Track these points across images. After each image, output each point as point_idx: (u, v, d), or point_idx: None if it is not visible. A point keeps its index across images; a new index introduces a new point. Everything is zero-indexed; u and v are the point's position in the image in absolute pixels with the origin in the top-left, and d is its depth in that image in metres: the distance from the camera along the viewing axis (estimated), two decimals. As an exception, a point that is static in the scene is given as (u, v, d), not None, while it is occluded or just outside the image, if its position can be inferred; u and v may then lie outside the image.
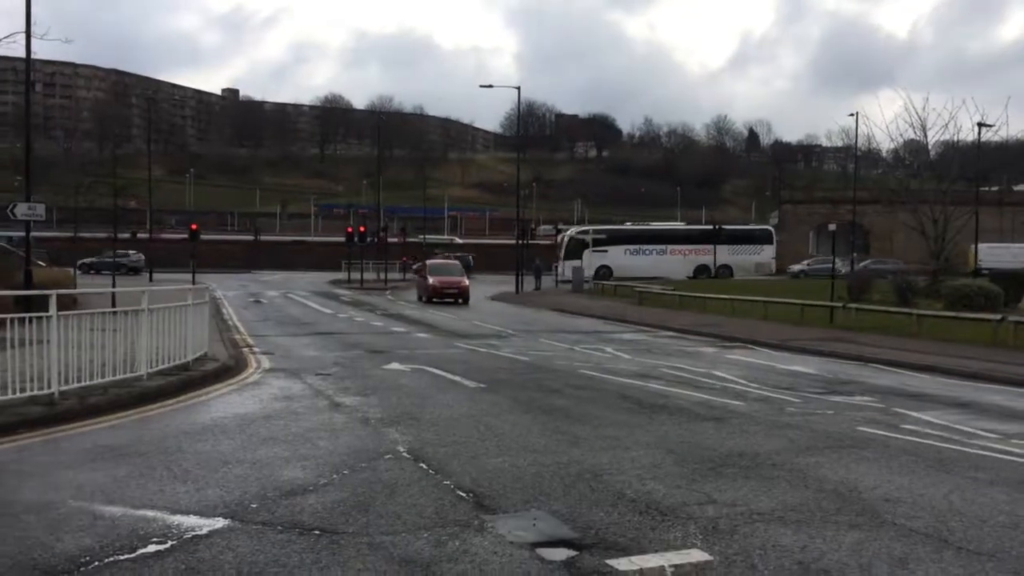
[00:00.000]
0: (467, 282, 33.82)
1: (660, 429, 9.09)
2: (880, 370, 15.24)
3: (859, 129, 57.59)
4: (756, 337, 20.20)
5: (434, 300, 32.49)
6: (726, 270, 50.25)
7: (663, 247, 50.36)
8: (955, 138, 34.40)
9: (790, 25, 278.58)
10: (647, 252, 49.73)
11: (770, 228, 57.33)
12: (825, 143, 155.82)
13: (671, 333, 22.40)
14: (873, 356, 16.75)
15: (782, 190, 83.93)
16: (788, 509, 6.17)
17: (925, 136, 33.64)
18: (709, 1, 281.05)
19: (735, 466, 7.45)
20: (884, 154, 42.64)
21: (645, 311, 29.51)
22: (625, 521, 5.79)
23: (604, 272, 47.29)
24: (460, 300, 32.37)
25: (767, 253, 52.70)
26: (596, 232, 51.56)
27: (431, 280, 33.23)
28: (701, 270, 49.91)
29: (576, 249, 47.66)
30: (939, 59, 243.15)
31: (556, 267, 48.01)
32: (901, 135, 41.89)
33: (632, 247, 50.12)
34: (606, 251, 48.52)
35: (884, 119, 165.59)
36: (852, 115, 56.81)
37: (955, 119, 35.50)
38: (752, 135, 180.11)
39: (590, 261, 47.30)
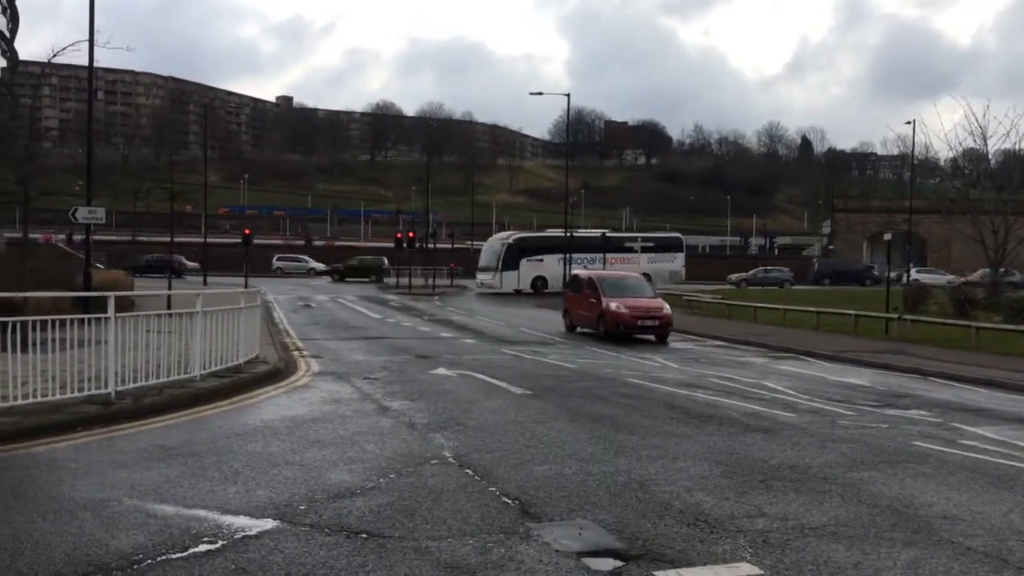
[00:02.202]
0: (668, 308, 22.14)
1: (709, 439, 8.97)
2: (936, 383, 14.86)
3: (916, 137, 56.40)
4: (808, 348, 19.85)
5: (615, 336, 21.34)
6: (647, 279, 46.27)
7: (593, 256, 45.17)
8: (1017, 146, 33.41)
9: (849, 31, 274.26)
10: (578, 262, 43.92)
11: (679, 236, 53.86)
12: (880, 151, 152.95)
13: (720, 342, 22.13)
14: (929, 369, 16.33)
15: (835, 198, 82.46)
16: (841, 524, 6.03)
17: (985, 144, 32.75)
18: (767, 7, 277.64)
19: (786, 479, 7.31)
20: (942, 163, 41.34)
21: (693, 320, 29.20)
22: (673, 533, 5.72)
23: (540, 283, 44.21)
24: (658, 337, 21.47)
25: (679, 261, 50.00)
26: (531, 239, 47.17)
27: (610, 304, 21.47)
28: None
29: (515, 257, 44.25)
30: (1002, 66, 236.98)
31: (480, 277, 45.52)
32: (960, 143, 40.86)
33: (564, 256, 43.81)
34: (542, 260, 44.49)
35: (943, 127, 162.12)
36: (909, 123, 55.49)
37: (1016, 127, 34.35)
38: (805, 142, 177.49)
39: (527, 271, 44.30)
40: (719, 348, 20.74)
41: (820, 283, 55.12)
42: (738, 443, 8.82)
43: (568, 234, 44.83)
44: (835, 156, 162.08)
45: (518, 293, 44.08)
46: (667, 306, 22.26)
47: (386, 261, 59.15)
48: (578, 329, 23.45)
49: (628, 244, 49.64)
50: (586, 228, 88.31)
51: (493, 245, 45.89)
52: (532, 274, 43.82)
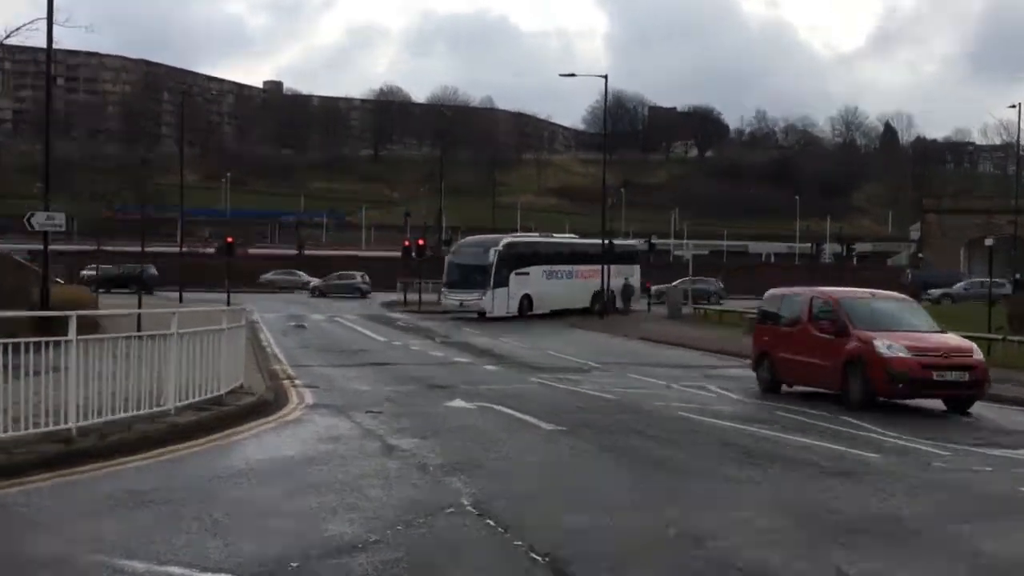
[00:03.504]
0: (978, 351, 15.80)
1: (775, 485, 8.89)
2: (1050, 418, 14.64)
3: (1022, 124, 55.72)
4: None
5: (890, 395, 14.93)
6: (613, 296, 43.00)
7: (571, 268, 42.74)
8: None
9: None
10: (559, 275, 41.79)
11: (636, 243, 51.95)
12: (979, 140, 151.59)
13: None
14: (1041, 400, 16.06)
15: (925, 197, 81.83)
16: (936, 587, 5.95)
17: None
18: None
19: (869, 533, 7.23)
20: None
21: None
22: (733, 596, 5.66)
23: (526, 303, 39.52)
24: (962, 403, 15.07)
25: (636, 276, 46.94)
26: (524, 245, 42.57)
27: (878, 345, 14.74)
28: (596, 298, 41.95)
29: (507, 269, 38.89)
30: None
31: (455, 297, 39.21)
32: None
33: (548, 268, 41.49)
34: (528, 274, 39.93)
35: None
36: (1014, 106, 54.77)
37: None
38: (888, 131, 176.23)
39: (515, 288, 39.05)
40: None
41: (918, 296, 54.76)
42: (811, 489, 8.74)
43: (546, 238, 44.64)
44: (925, 147, 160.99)
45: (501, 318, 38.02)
46: (976, 348, 15.83)
47: (361, 276, 60.80)
48: (786, 388, 17.03)
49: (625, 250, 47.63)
50: (624, 235, 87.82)
51: (474, 253, 39.45)
52: (520, 291, 39.13)
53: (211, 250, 65.55)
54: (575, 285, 42.11)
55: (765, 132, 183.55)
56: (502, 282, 38.27)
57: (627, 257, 47.32)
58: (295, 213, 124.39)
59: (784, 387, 17.03)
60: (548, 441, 11.11)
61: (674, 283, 50.75)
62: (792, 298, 18.06)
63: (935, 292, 52.24)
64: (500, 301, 38.11)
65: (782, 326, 17.53)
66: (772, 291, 19.59)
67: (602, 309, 40.68)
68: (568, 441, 11.10)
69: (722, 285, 57.71)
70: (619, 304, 43.15)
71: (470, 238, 44.88)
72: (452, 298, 39.44)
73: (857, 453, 10.73)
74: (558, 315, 39.21)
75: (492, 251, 38.64)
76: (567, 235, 50.96)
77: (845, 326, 15.47)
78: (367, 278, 61.24)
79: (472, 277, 38.65)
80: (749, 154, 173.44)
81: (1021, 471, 10.05)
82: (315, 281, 61.79)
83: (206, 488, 8.31)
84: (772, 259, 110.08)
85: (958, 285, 54.99)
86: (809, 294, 17.53)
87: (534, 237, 47.20)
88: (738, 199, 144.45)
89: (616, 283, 43.56)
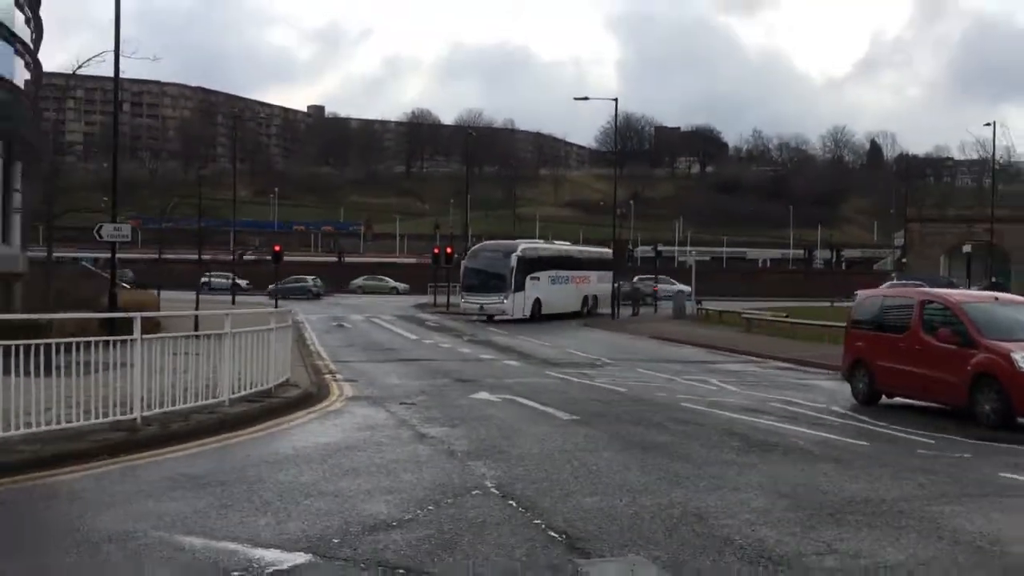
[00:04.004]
0: None
1: (772, 469, 8.84)
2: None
3: (997, 140, 55.23)
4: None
5: None
6: (594, 301, 42.35)
7: (568, 274, 41.48)
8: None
9: (929, 24, 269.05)
10: (561, 280, 40.57)
11: (607, 251, 48.50)
12: (958, 156, 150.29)
13: (784, 364, 21.86)
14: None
15: (909, 208, 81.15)
16: (919, 563, 5.89)
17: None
18: (836, 2, 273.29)
19: (858, 512, 7.17)
20: (1027, 167, 40.38)
21: (754, 339, 28.88)
22: (733, 571, 5.63)
23: (536, 307, 37.98)
24: None
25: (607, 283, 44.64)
26: (540, 251, 41.21)
27: (1021, 362, 11.83)
28: (584, 302, 41.76)
29: (524, 274, 37.47)
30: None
31: (475, 300, 37.50)
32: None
33: (554, 273, 40.20)
34: (538, 279, 38.58)
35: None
36: (989, 124, 54.24)
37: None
38: (874, 148, 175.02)
39: (530, 292, 37.63)
40: (783, 370, 20.49)
41: None
42: (804, 473, 8.69)
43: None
44: (908, 162, 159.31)
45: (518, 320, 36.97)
46: None
47: (313, 279, 61.39)
48: (886, 399, 14.40)
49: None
50: (634, 244, 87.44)
51: (492, 259, 37.95)
52: (533, 295, 38.00)
53: (264, 257, 65.95)
54: (570, 290, 41.51)
55: (761, 149, 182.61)
56: (520, 286, 37.04)
57: (605, 263, 46.75)
58: (307, 223, 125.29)
59: (884, 398, 14.35)
60: (565, 430, 11.10)
61: (633, 280, 50.86)
62: (892, 301, 15.14)
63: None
64: (518, 304, 36.99)
65: (883, 332, 14.38)
66: (865, 292, 17.00)
67: (594, 312, 40.57)
68: (583, 430, 11.09)
69: (686, 288, 57.03)
70: (599, 308, 42.50)
71: (487, 243, 43.14)
72: (471, 301, 37.78)
73: (847, 441, 10.64)
74: (560, 317, 38.44)
75: (513, 256, 37.20)
76: (561, 243, 50.14)
77: (971, 335, 12.56)
78: (319, 282, 61.65)
79: (491, 281, 37.23)
80: (747, 169, 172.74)
81: (999, 458, 9.93)
82: (271, 286, 61.58)
83: (256, 472, 8.35)
84: (768, 264, 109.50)
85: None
86: (918, 296, 14.46)
87: (542, 244, 46.55)
88: (737, 210, 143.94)
89: (601, 288, 43.18)
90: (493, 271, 37.42)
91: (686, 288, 62.75)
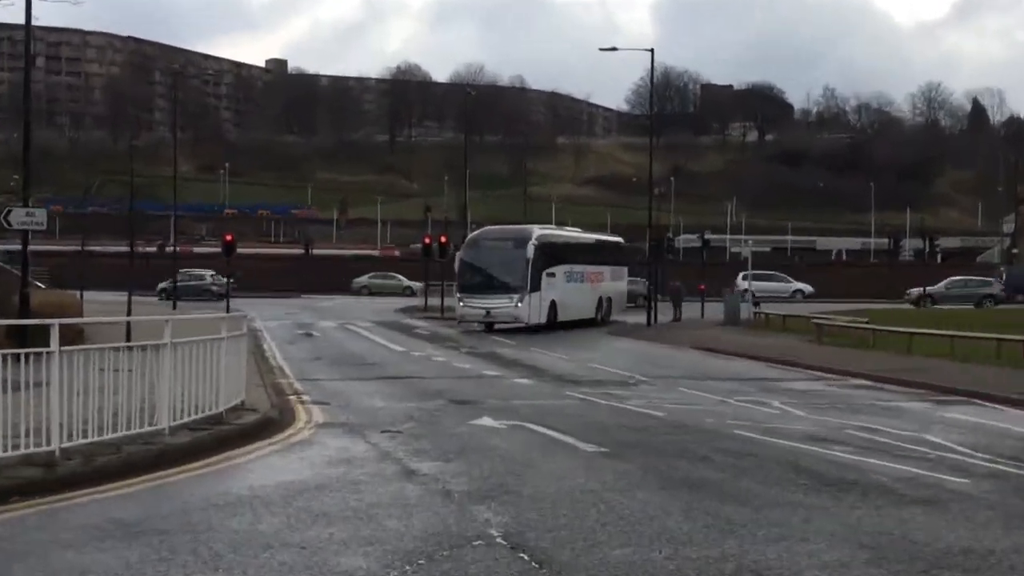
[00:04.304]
0: None
1: (849, 514, 8.82)
2: None
3: None
4: (985, 388, 19.44)
5: None
6: (607, 304, 42.56)
7: (583, 269, 40.58)
8: None
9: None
10: (576, 277, 39.58)
11: (618, 239, 48.88)
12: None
13: (863, 381, 21.83)
14: None
15: (1020, 184, 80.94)
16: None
17: None
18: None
19: (957, 568, 7.16)
20: None
21: (826, 351, 28.82)
22: (801, 641, 5.62)
23: (552, 311, 36.82)
24: None
25: (624, 279, 46.31)
26: (560, 239, 41.01)
27: None
28: (599, 306, 41.66)
29: (541, 269, 36.19)
30: None
31: (478, 304, 36.05)
32: None
33: (569, 269, 39.12)
34: (555, 275, 37.32)
35: None
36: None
37: None
38: (977, 109, 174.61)
39: (547, 293, 36.41)
40: (862, 389, 20.47)
41: (1012, 299, 54.73)
42: (890, 519, 8.66)
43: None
44: (1019, 126, 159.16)
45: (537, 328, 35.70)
46: None
47: (213, 276, 61.63)
48: None
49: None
50: (675, 231, 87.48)
51: (500, 248, 36.77)
52: (549, 296, 36.53)
53: (211, 248, 66.38)
54: (585, 290, 40.61)
55: (834, 112, 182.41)
56: (536, 284, 35.52)
57: (618, 255, 46.38)
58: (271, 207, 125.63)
59: None
60: (588, 464, 11.10)
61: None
62: None
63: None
64: (534, 308, 35.44)
65: None
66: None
67: (607, 318, 40.73)
68: (611, 465, 11.08)
69: (806, 288, 57.10)
70: (613, 313, 42.52)
71: (489, 229, 41.50)
72: (473, 305, 35.93)
73: (942, 478, 10.62)
74: (574, 325, 37.89)
75: (530, 246, 35.54)
76: (570, 228, 50.01)
77: None
78: (221, 278, 60.65)
79: (499, 278, 35.75)
80: (816, 137, 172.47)
81: None
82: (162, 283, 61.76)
83: (203, 517, 8.36)
84: (843, 256, 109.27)
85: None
86: None
87: (557, 230, 45.89)
88: (804, 188, 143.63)
89: (615, 288, 43.10)
90: (502, 265, 36.04)
91: (806, 287, 62.76)
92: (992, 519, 8.80)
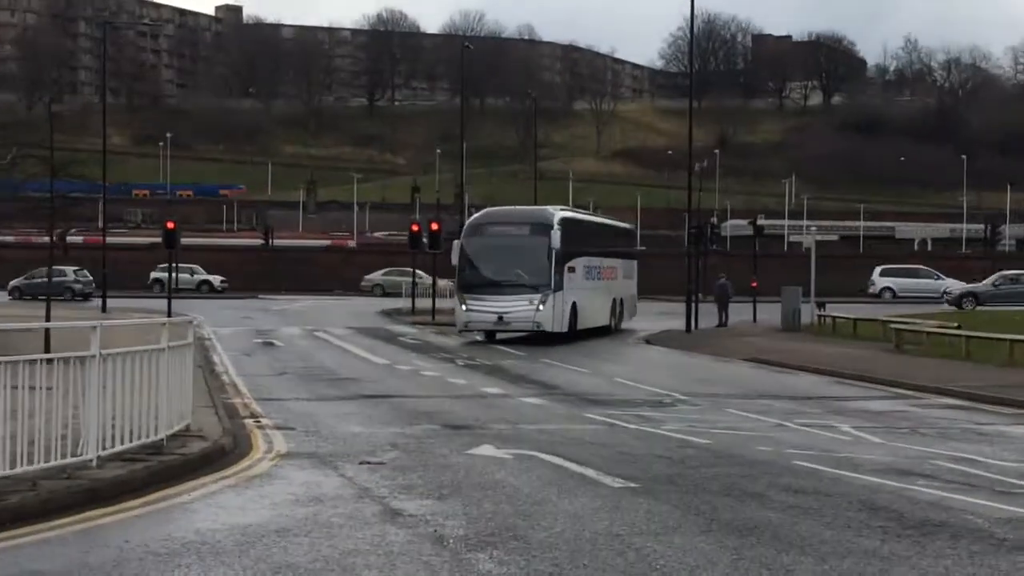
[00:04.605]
0: None
1: (936, 564, 8.80)
2: None
3: None
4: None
5: None
6: (621, 307, 42.77)
7: (598, 264, 40.29)
8: None
9: None
10: (594, 273, 39.42)
11: (628, 225, 49.91)
12: None
13: (952, 400, 21.80)
14: None
15: None
16: None
17: None
18: None
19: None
20: None
21: (907, 362, 28.76)
22: None
23: (573, 314, 35.83)
24: None
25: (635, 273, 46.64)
26: (584, 223, 41.33)
27: None
28: (614, 309, 41.72)
29: (563, 261, 35.14)
30: None
31: (465, 302, 34.84)
32: None
33: (587, 261, 38.37)
34: (575, 270, 36.43)
35: None
36: None
37: None
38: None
39: (568, 291, 35.35)
40: (951, 410, 20.42)
41: None
42: (986, 569, 8.66)
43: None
44: None
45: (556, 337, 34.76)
46: None
47: (77, 272, 62.04)
48: None
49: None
50: (721, 216, 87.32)
51: (515, 234, 35.47)
52: (570, 297, 35.51)
53: (151, 238, 66.63)
54: (600, 289, 40.28)
55: (917, 69, 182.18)
56: (559, 282, 34.29)
57: (630, 245, 46.35)
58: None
59: None
60: (615, 504, 11.07)
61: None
62: None
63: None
64: (558, 311, 34.20)
65: None
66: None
67: (620, 325, 41.29)
68: (643, 503, 11.06)
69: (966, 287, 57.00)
70: (626, 318, 42.67)
71: (497, 210, 41.04)
72: (482, 309, 34.30)
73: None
74: (590, 333, 37.62)
75: (554, 233, 34.17)
76: (584, 211, 49.84)
77: None
78: (87, 275, 61.67)
79: (514, 274, 34.43)
80: (894, 100, 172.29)
81: None
82: (14, 282, 61.83)
83: (140, 569, 8.34)
84: (928, 246, 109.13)
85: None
86: None
87: (574, 211, 44.90)
88: (879, 163, 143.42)
89: (627, 288, 43.04)
90: (518, 256, 34.77)
91: (961, 285, 62.34)
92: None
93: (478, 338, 36.53)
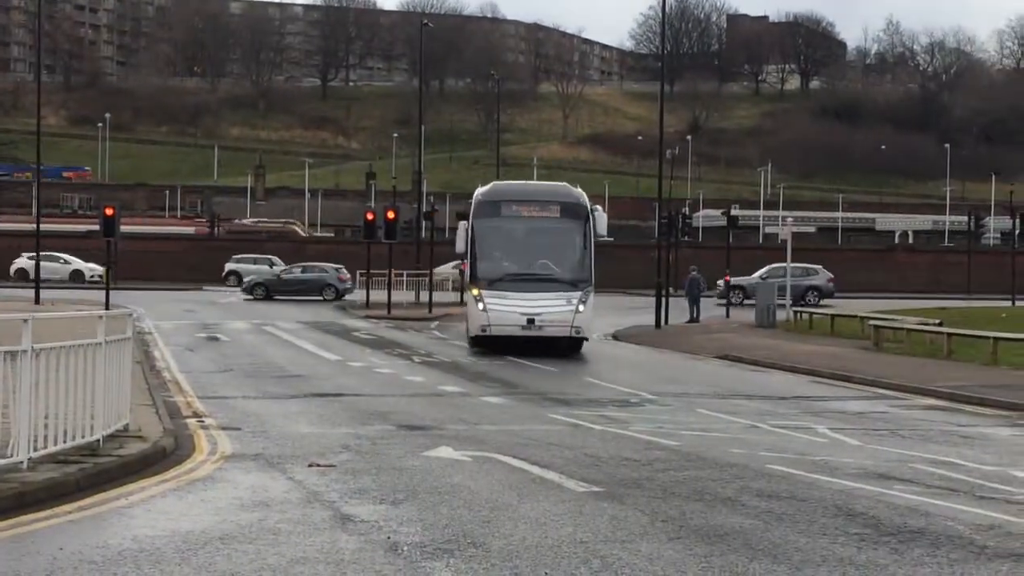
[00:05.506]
0: None
1: (915, 574, 8.88)
2: None
3: None
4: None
5: None
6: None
7: None
8: None
9: None
10: None
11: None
12: None
13: (933, 400, 22.00)
14: None
15: None
16: None
17: None
18: None
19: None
20: None
21: (886, 361, 28.94)
22: None
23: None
24: None
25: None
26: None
27: None
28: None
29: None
30: None
31: (485, 299, 29.33)
32: None
33: None
34: None
35: None
36: None
37: None
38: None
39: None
40: (932, 411, 20.59)
41: None
42: (967, 579, 8.71)
43: None
44: None
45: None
46: None
47: None
48: None
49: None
50: (693, 206, 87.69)
51: (546, 217, 30.80)
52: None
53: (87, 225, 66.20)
54: None
55: (899, 53, 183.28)
56: (592, 276, 30.41)
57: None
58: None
59: None
60: (579, 509, 11.10)
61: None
62: None
63: None
64: (588, 312, 29.86)
65: None
66: None
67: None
68: (608, 509, 11.09)
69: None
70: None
71: (512, 185, 37.09)
72: (509, 308, 29.16)
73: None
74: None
75: (597, 213, 30.58)
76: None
77: None
78: None
79: (548, 266, 30.26)
80: (876, 86, 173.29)
81: None
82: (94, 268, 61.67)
83: (73, 578, 8.30)
84: (909, 238, 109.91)
85: None
86: None
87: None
88: (859, 151, 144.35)
89: None
90: (550, 243, 30.66)
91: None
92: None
93: (438, 334, 36.52)
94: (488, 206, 30.55)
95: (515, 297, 29.00)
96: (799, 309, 43.12)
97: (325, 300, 56.21)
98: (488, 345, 29.71)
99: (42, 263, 61.18)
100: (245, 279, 62.51)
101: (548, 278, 29.68)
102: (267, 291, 57.49)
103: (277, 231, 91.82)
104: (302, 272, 60.06)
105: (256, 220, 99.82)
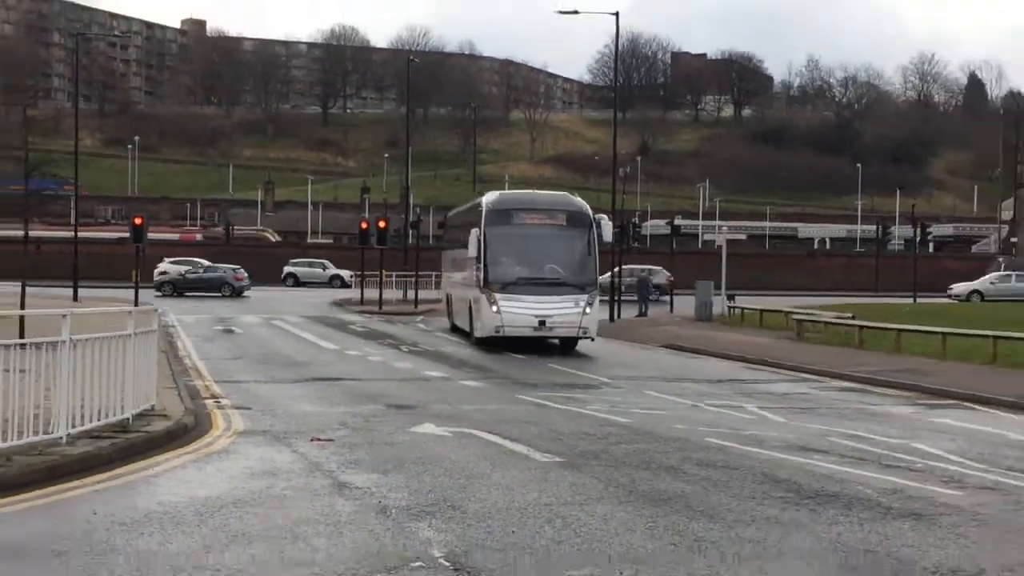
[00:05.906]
0: None
1: (829, 530, 8.92)
2: None
3: None
4: (980, 391, 19.73)
5: None
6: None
7: None
8: None
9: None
10: None
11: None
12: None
13: (847, 383, 22.12)
14: None
15: (1020, 164, 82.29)
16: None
17: None
18: None
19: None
20: None
21: (807, 350, 29.08)
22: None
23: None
24: None
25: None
26: None
27: None
28: None
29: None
30: None
31: (497, 301, 27.46)
32: None
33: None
34: None
35: None
36: None
37: None
38: (974, 83, 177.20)
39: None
40: (847, 392, 20.71)
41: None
42: (873, 535, 8.79)
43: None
44: (1020, 103, 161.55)
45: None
46: None
47: None
48: None
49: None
50: (642, 217, 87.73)
51: (554, 225, 28.79)
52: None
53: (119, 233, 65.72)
54: None
55: (818, 86, 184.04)
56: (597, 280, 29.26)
57: None
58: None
59: None
60: (543, 476, 11.12)
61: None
62: None
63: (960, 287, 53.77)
64: (595, 314, 28.60)
65: None
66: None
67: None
68: (568, 476, 11.12)
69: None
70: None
71: (521, 194, 34.52)
72: (521, 310, 27.36)
73: (932, 490, 10.77)
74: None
75: (602, 221, 29.43)
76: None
77: None
78: None
79: (558, 270, 28.27)
80: (799, 114, 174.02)
81: None
82: None
83: (106, 537, 8.28)
84: (827, 245, 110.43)
85: (989, 276, 56.16)
86: None
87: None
88: (784, 169, 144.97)
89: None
90: (559, 249, 28.68)
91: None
92: (984, 535, 8.93)
93: (423, 327, 36.47)
94: (499, 214, 28.87)
95: (527, 300, 27.43)
96: (732, 304, 43.20)
97: (223, 296, 56.14)
98: (489, 344, 28.22)
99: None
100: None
101: (557, 282, 27.92)
102: (175, 288, 57.04)
103: (253, 237, 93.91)
104: (204, 272, 60.01)
105: (239, 227, 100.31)
